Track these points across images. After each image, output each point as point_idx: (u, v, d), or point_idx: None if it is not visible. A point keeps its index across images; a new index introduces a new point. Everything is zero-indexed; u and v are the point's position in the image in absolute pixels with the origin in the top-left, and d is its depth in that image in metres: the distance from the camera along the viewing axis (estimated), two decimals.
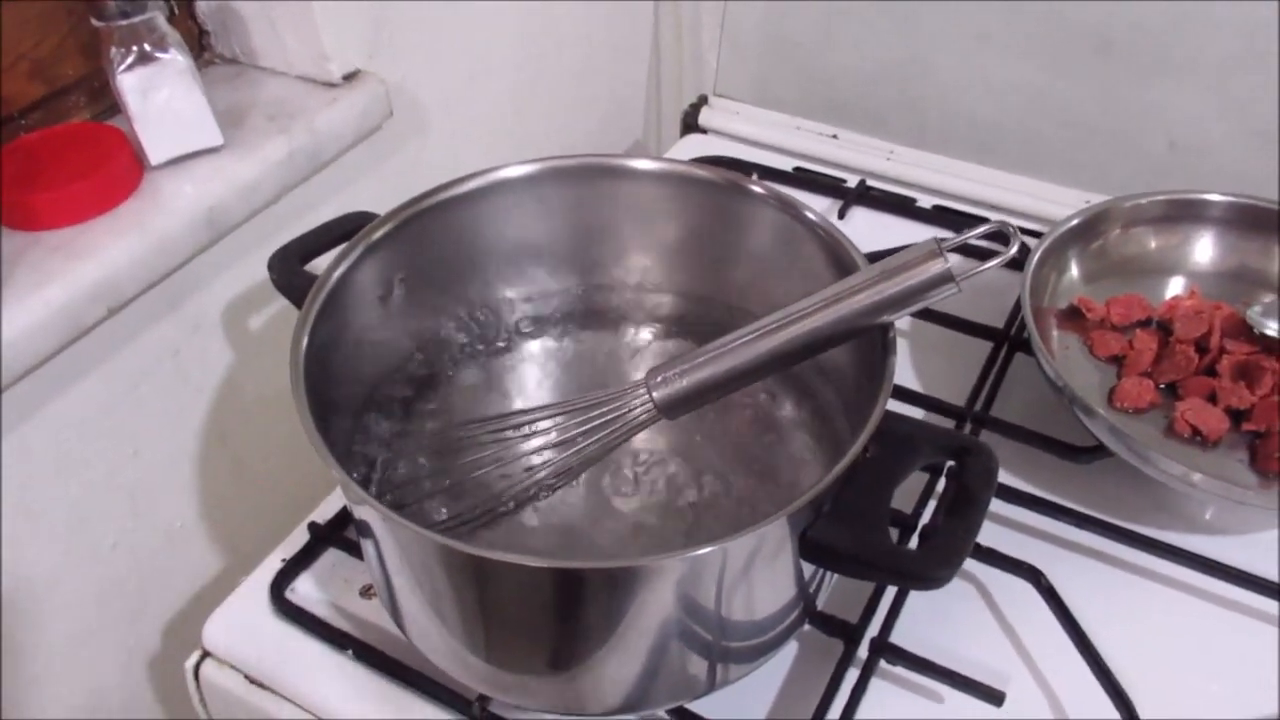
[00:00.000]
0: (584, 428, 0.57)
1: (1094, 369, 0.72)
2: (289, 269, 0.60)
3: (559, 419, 0.59)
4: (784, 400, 0.65)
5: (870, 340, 0.54)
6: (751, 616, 0.52)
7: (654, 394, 0.56)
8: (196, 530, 0.80)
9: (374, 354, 0.63)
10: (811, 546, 0.48)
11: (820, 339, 0.53)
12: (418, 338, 0.65)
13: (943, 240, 0.51)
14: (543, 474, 0.60)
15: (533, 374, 0.68)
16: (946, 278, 0.50)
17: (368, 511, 0.49)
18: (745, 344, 0.54)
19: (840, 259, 0.57)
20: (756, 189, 0.61)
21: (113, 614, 0.75)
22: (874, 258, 0.55)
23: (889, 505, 0.49)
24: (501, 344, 0.68)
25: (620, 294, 0.69)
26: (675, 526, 0.60)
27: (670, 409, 0.56)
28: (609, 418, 0.57)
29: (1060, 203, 0.88)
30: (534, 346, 0.69)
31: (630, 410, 0.56)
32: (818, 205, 0.60)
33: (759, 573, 0.49)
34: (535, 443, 0.60)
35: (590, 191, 0.64)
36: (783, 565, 0.50)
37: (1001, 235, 0.52)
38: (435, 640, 0.54)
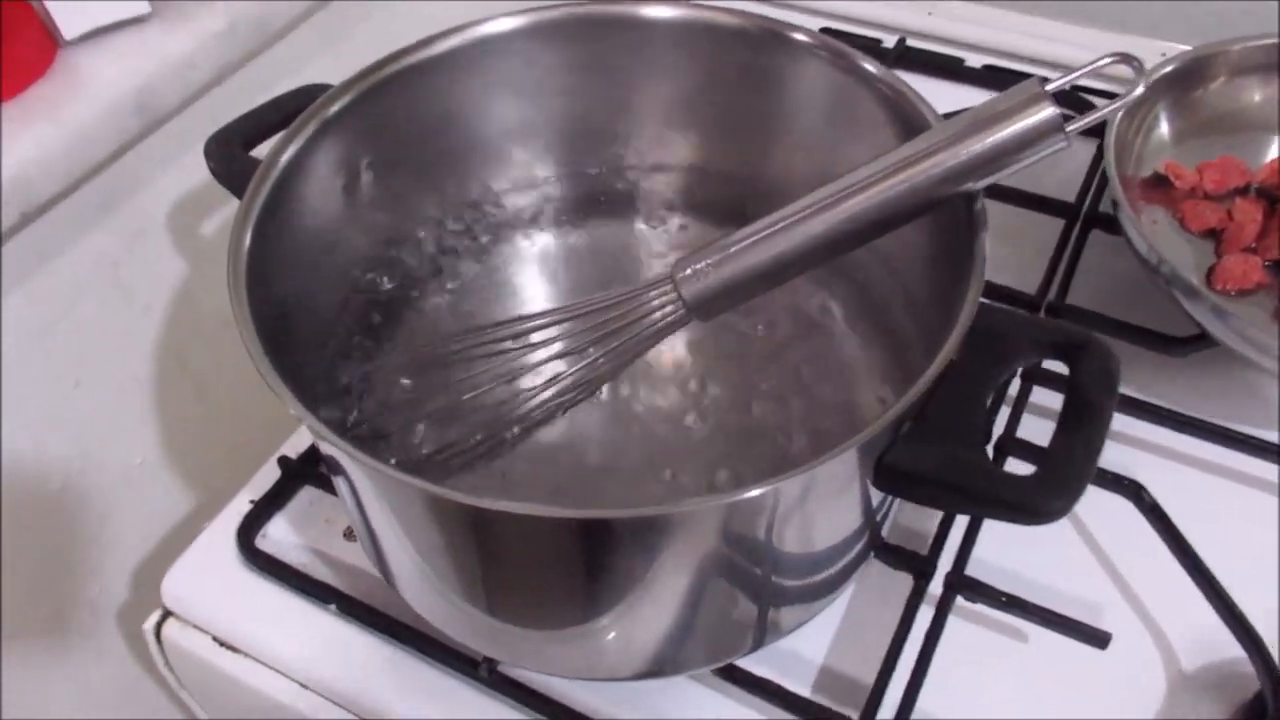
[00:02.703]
0: (598, 335, 0.47)
1: (1186, 245, 0.61)
2: (230, 155, 0.50)
3: (567, 325, 0.49)
4: (832, 294, 0.54)
5: (947, 216, 0.44)
6: (808, 558, 0.43)
7: (682, 290, 0.45)
8: (159, 467, 0.71)
9: (343, 256, 0.53)
10: (891, 474, 0.38)
11: (887, 215, 0.42)
12: (394, 235, 0.55)
13: (1046, 81, 0.40)
14: (549, 392, 0.50)
15: (532, 276, 0.57)
16: (1053, 126, 0.39)
17: (339, 454, 0.39)
18: (792, 225, 0.43)
19: (909, 121, 0.46)
20: (800, 37, 0.50)
21: (68, 565, 0.66)
22: None
23: (984, 420, 0.39)
24: (493, 241, 0.58)
25: (633, 176, 0.58)
26: (709, 452, 0.51)
27: (702, 307, 0.46)
28: (628, 321, 0.47)
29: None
30: (532, 243, 0.58)
31: (654, 311, 0.46)
32: None
33: (818, 510, 0.40)
34: (540, 355, 0.50)
35: (592, 49, 0.53)
36: (848, 498, 0.41)
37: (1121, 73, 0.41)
38: (432, 598, 0.45)
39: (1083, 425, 0.38)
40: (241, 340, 0.39)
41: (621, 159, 0.58)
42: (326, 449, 0.40)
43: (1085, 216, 0.65)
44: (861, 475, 0.39)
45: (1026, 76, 0.76)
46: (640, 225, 0.58)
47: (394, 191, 0.53)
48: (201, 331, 0.70)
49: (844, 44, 0.49)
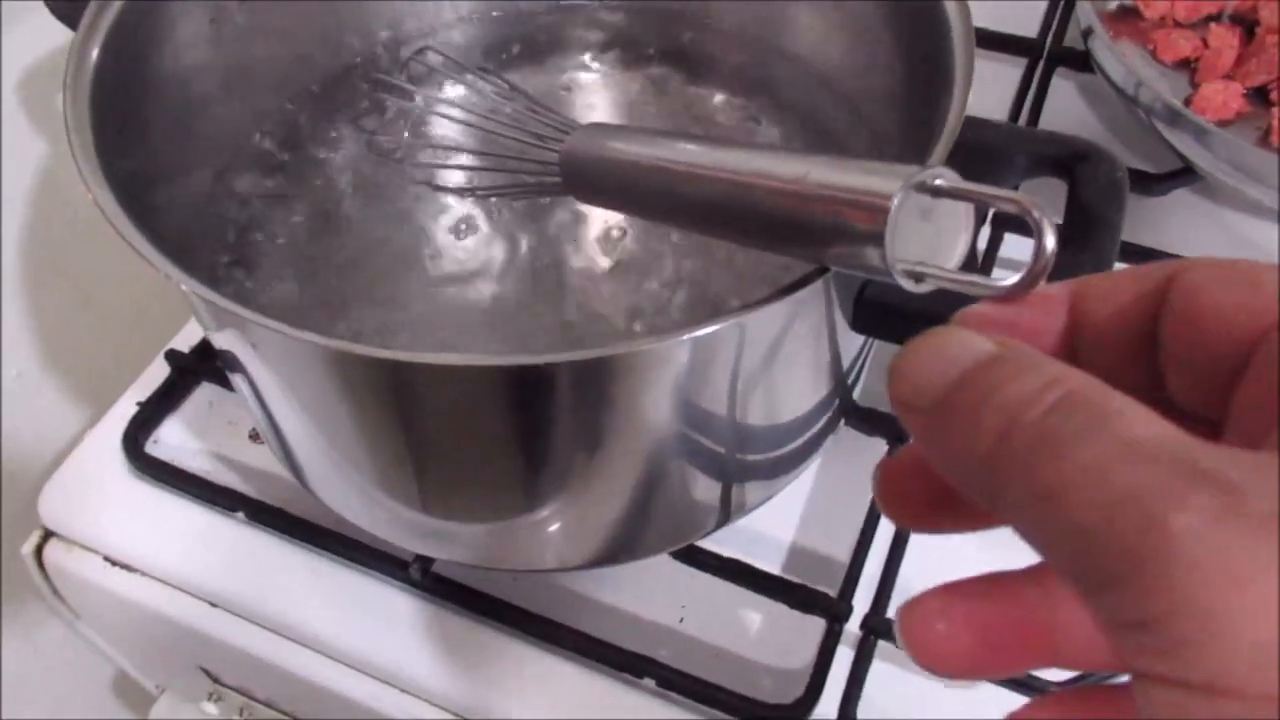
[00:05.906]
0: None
1: (1160, 79, 0.56)
2: None
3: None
4: (773, 127, 0.48)
5: (921, 25, 0.38)
6: (775, 425, 0.38)
7: (565, 146, 0.36)
8: (39, 380, 0.63)
9: (223, 108, 0.45)
10: (872, 310, 0.33)
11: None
12: (280, 81, 0.47)
13: None
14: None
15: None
16: None
17: (229, 335, 0.33)
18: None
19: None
20: None
21: None
22: None
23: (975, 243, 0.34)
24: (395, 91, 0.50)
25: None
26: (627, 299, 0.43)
27: (577, 179, 0.37)
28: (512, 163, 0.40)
29: None
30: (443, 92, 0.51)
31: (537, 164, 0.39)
32: None
33: (787, 364, 0.34)
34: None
35: None
36: (819, 346, 0.35)
37: None
38: (349, 493, 0.39)
39: (1090, 243, 0.33)
40: (93, 199, 0.32)
41: None
42: (222, 338, 0.34)
43: (1049, 54, 0.60)
44: (830, 314, 0.34)
45: None
46: (568, 75, 0.51)
47: (269, 24, 0.45)
48: (75, 222, 0.61)
49: None
